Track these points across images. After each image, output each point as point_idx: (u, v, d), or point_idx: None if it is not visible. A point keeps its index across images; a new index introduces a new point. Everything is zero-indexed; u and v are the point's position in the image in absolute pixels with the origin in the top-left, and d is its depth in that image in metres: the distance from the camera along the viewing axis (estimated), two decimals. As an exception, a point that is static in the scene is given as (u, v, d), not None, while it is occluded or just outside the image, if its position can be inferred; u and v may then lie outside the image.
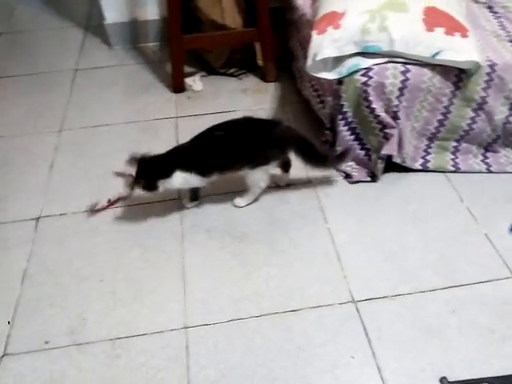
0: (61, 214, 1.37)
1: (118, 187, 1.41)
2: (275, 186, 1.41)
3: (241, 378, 1.01)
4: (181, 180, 1.26)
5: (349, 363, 1.02)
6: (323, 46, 1.24)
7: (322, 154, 1.34)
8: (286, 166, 1.38)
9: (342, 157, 1.37)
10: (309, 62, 1.27)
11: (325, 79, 1.31)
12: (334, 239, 1.27)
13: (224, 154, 1.26)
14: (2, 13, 2.37)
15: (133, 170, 1.23)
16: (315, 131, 1.58)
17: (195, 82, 1.83)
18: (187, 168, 1.25)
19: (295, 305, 1.13)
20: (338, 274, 1.19)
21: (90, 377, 1.02)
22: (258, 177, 1.31)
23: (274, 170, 1.35)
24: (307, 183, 1.43)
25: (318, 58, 1.25)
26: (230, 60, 1.81)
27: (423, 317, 1.09)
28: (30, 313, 1.13)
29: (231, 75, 1.86)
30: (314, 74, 1.29)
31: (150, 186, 1.25)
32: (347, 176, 1.42)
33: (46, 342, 1.08)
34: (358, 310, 1.11)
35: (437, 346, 1.04)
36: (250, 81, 1.85)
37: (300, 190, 1.42)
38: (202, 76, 1.87)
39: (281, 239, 1.28)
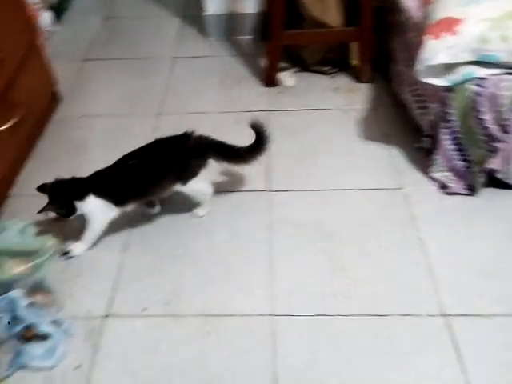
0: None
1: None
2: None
3: (326, 372, 1.03)
4: (94, 205, 1.23)
5: (437, 376, 1.01)
6: (437, 51, 1.22)
7: (239, 152, 1.32)
8: None
9: (256, 149, 1.32)
10: (419, 66, 1.25)
11: (433, 85, 1.28)
12: (425, 249, 1.25)
13: (142, 180, 1.25)
14: (108, -1, 2.54)
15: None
16: (409, 136, 1.55)
17: (287, 78, 1.86)
18: (101, 193, 1.23)
19: (383, 310, 1.13)
20: (429, 285, 1.17)
21: (182, 348, 1.09)
22: (196, 188, 1.31)
23: (210, 175, 1.34)
24: (398, 188, 1.41)
25: (430, 64, 1.22)
26: (325, 58, 1.82)
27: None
28: (131, 280, 1.23)
29: (324, 73, 1.86)
30: (423, 80, 1.27)
31: (65, 207, 1.22)
32: (443, 186, 1.39)
33: (144, 309, 1.16)
34: (448, 325, 1.09)
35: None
36: (343, 80, 1.85)
37: (390, 194, 1.40)
38: (294, 72, 1.90)
39: (369, 242, 1.28)
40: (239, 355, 1.07)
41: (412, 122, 1.55)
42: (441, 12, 1.31)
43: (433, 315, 1.11)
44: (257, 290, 1.19)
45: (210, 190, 1.35)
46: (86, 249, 1.28)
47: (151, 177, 1.26)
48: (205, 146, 1.30)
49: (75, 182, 1.25)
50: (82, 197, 1.22)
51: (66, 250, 1.28)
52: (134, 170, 1.25)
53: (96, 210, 1.24)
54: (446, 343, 1.06)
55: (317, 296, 1.17)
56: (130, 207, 1.29)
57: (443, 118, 1.30)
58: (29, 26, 1.56)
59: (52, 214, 1.25)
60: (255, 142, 1.33)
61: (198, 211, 1.38)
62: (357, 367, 1.03)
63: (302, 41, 1.74)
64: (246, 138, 1.41)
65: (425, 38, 1.25)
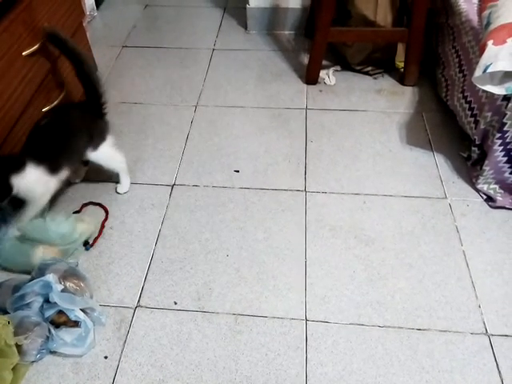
0: (193, 185, 1.43)
1: (247, 169, 1.47)
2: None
3: (360, 384, 0.99)
4: (34, 178, 1.14)
5: (478, 399, 0.96)
6: (499, 57, 1.15)
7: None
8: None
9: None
10: (477, 72, 1.18)
11: (490, 93, 1.21)
12: (469, 264, 1.19)
13: (62, 141, 1.21)
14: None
15: None
16: (455, 144, 1.49)
17: (328, 76, 1.81)
18: (37, 161, 1.14)
19: (422, 324, 1.08)
20: (472, 301, 1.12)
21: (212, 345, 1.06)
22: (108, 154, 1.31)
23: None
24: (442, 198, 1.36)
25: (491, 70, 1.16)
26: (369, 58, 1.76)
27: None
28: (162, 272, 1.21)
29: (366, 73, 1.80)
30: (480, 87, 1.20)
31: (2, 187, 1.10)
32: (489, 199, 1.32)
33: (175, 303, 1.14)
34: (491, 345, 1.04)
35: None
36: (386, 82, 1.79)
37: (434, 203, 1.35)
38: (336, 70, 1.85)
39: (410, 252, 1.23)
40: (270, 359, 1.04)
41: (459, 130, 1.48)
42: (506, 16, 1.24)
43: (475, 333, 1.06)
44: (290, 292, 1.16)
45: (122, 157, 1.36)
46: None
47: (68, 138, 1.23)
48: (96, 101, 1.29)
49: (6, 157, 1.16)
50: (18, 169, 1.11)
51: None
52: (51, 131, 1.20)
53: (36, 183, 1.16)
54: (488, 364, 1.01)
55: (352, 304, 1.13)
56: (62, 174, 1.23)
57: (497, 128, 1.24)
58: (77, 8, 1.56)
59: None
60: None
61: (119, 188, 1.40)
62: (393, 382, 0.99)
63: (348, 39, 1.69)
64: (282, 135, 1.37)
65: (486, 43, 1.19)
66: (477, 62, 1.22)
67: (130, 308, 1.13)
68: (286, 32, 2.08)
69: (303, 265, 1.22)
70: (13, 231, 1.22)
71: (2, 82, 1.18)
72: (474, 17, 1.43)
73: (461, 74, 1.46)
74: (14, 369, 0.99)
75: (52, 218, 1.24)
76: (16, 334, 1.01)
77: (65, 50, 1.27)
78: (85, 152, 1.28)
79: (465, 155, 1.43)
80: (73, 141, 1.24)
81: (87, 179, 1.45)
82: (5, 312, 1.08)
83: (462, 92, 1.42)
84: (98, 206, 1.37)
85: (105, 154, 1.31)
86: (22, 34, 1.26)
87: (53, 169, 1.19)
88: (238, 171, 1.47)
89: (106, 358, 1.05)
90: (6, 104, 1.21)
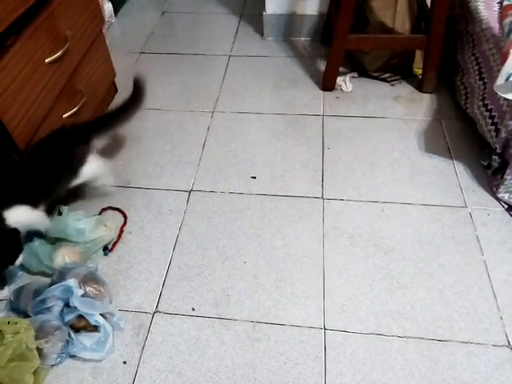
0: (210, 191, 1.44)
1: (264, 176, 1.47)
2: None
3: (380, 396, 0.98)
4: (20, 214, 1.13)
5: (502, 413, 0.94)
6: (522, 65, 1.14)
7: (115, 114, 1.34)
8: None
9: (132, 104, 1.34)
10: (500, 80, 1.17)
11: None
12: (490, 274, 1.17)
13: (42, 181, 1.19)
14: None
15: None
16: (475, 153, 1.48)
17: (345, 83, 1.81)
18: (20, 201, 1.13)
19: (443, 335, 1.07)
20: (494, 313, 1.10)
21: (230, 353, 1.06)
22: (89, 172, 1.28)
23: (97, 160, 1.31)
24: (462, 207, 1.34)
25: (513, 78, 1.15)
26: (387, 64, 1.76)
27: None
28: (180, 278, 1.21)
29: (384, 80, 1.80)
30: (502, 95, 1.19)
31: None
32: (510, 208, 1.30)
33: (193, 309, 1.15)
34: (514, 358, 1.02)
35: None
36: (404, 88, 1.78)
37: (454, 212, 1.33)
38: (353, 77, 1.84)
39: (430, 261, 1.22)
40: (289, 367, 1.03)
41: (479, 138, 1.46)
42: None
43: (497, 345, 1.04)
44: (308, 301, 1.15)
45: (101, 163, 1.33)
46: None
47: (48, 181, 1.22)
48: (83, 131, 1.28)
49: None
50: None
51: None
52: (31, 175, 1.18)
53: (22, 220, 1.15)
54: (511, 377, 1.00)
55: (371, 313, 1.12)
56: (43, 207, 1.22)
57: (519, 136, 1.22)
58: (98, 15, 1.58)
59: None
60: (130, 96, 1.36)
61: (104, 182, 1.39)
62: (413, 394, 0.98)
63: (367, 46, 1.68)
64: (298, 141, 1.37)
65: (509, 51, 1.17)
66: (498, 70, 1.21)
67: (149, 313, 1.14)
68: (303, 39, 2.09)
69: (321, 273, 1.21)
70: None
71: (25, 88, 1.20)
72: (494, 24, 1.41)
73: (481, 82, 1.44)
74: (34, 372, 1.00)
75: (73, 214, 1.27)
76: (37, 337, 1.02)
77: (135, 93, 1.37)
78: (68, 185, 1.27)
79: (485, 163, 1.41)
80: (53, 182, 1.24)
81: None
82: (26, 315, 1.09)
83: (483, 100, 1.40)
84: (116, 211, 1.38)
85: (86, 175, 1.29)
86: (45, 42, 1.29)
87: (36, 205, 1.19)
88: (254, 177, 1.48)
89: (124, 363, 1.05)
90: (30, 109, 1.23)
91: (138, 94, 1.37)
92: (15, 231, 1.12)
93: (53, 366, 1.04)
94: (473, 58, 1.51)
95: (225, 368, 1.04)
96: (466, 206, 1.34)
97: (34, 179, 1.19)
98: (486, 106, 1.39)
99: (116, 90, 1.84)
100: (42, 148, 1.23)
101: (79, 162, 1.27)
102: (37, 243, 1.23)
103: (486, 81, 1.43)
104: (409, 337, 1.07)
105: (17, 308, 1.12)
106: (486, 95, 1.40)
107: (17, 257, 1.14)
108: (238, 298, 1.16)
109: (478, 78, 1.46)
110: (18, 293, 1.13)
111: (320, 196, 1.41)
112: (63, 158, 1.24)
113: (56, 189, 1.26)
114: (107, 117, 1.36)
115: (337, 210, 1.37)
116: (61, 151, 1.24)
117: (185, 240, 1.31)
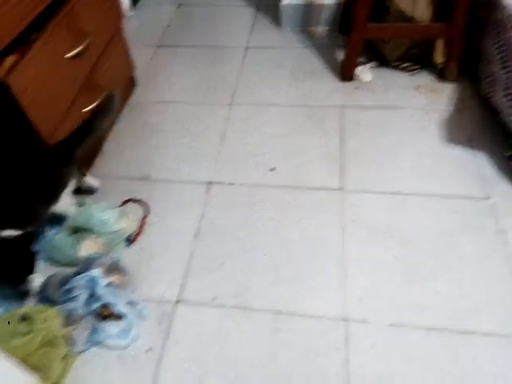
0: (229, 184, 1.45)
1: (282, 168, 1.48)
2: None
3: (401, 386, 0.99)
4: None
5: (524, 406, 0.94)
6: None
7: (88, 125, 1.20)
8: None
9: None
10: (525, 68, 1.15)
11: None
12: (513, 266, 1.16)
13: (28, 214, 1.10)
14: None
15: None
16: (498, 143, 1.45)
17: (364, 73, 1.78)
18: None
19: (463, 327, 1.06)
20: (517, 305, 1.09)
21: (251, 343, 1.08)
22: (66, 201, 1.19)
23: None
24: (484, 198, 1.32)
25: (539, 66, 1.12)
26: (407, 54, 1.72)
27: None
28: (202, 268, 1.23)
29: (404, 69, 1.77)
30: (527, 83, 1.16)
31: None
32: (535, 200, 1.28)
33: (214, 299, 1.17)
34: (538, 351, 1.01)
35: None
36: (424, 78, 1.75)
37: (476, 203, 1.31)
38: (372, 67, 1.82)
39: (450, 253, 1.21)
40: (310, 358, 1.04)
41: (501, 128, 1.44)
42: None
43: (520, 339, 1.04)
44: (328, 292, 1.16)
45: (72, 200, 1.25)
46: None
47: (31, 207, 1.11)
48: (66, 148, 1.17)
49: None
50: None
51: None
52: (12, 201, 1.07)
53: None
54: (535, 371, 0.99)
55: (391, 305, 1.12)
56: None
57: (545, 126, 1.20)
58: (117, 10, 1.59)
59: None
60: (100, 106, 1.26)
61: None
62: (434, 385, 0.98)
63: (386, 34, 1.66)
64: (317, 133, 1.35)
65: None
66: (524, 58, 1.18)
67: (171, 303, 1.16)
68: (320, 28, 2.06)
69: (341, 265, 1.21)
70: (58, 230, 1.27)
71: (47, 83, 1.23)
72: (520, 10, 1.37)
73: (504, 71, 1.41)
74: (62, 359, 1.04)
75: (97, 205, 1.30)
76: (64, 325, 1.06)
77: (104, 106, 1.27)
78: (48, 209, 1.18)
79: (507, 155, 1.39)
80: (35, 208, 1.14)
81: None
82: (53, 304, 1.13)
83: (507, 89, 1.37)
84: (137, 203, 1.41)
85: (64, 203, 1.20)
86: (66, 37, 1.31)
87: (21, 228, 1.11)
88: (273, 169, 1.48)
89: (148, 351, 1.08)
90: (53, 104, 1.26)
91: (109, 106, 1.27)
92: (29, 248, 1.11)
93: (80, 353, 1.08)
94: (496, 45, 1.47)
95: (247, 358, 1.05)
96: (488, 198, 1.32)
97: (14, 207, 1.09)
98: (510, 94, 1.36)
99: (134, 85, 1.86)
100: (23, 169, 1.11)
101: (62, 184, 1.18)
102: (57, 237, 1.26)
103: (510, 69, 1.39)
104: (429, 328, 1.07)
105: (45, 297, 1.16)
106: (509, 84, 1.37)
107: (32, 268, 1.15)
108: (258, 289, 1.18)
109: (500, 66, 1.42)
110: (46, 283, 1.17)
111: (339, 188, 1.41)
112: (45, 179, 1.13)
113: (33, 213, 1.14)
114: (82, 128, 1.22)
115: (356, 201, 1.36)
116: (43, 172, 1.13)
117: (205, 231, 1.32)
